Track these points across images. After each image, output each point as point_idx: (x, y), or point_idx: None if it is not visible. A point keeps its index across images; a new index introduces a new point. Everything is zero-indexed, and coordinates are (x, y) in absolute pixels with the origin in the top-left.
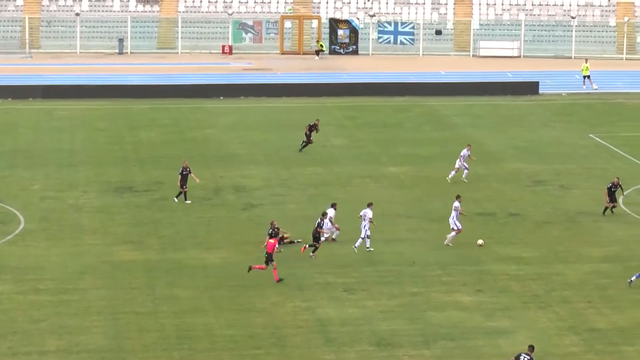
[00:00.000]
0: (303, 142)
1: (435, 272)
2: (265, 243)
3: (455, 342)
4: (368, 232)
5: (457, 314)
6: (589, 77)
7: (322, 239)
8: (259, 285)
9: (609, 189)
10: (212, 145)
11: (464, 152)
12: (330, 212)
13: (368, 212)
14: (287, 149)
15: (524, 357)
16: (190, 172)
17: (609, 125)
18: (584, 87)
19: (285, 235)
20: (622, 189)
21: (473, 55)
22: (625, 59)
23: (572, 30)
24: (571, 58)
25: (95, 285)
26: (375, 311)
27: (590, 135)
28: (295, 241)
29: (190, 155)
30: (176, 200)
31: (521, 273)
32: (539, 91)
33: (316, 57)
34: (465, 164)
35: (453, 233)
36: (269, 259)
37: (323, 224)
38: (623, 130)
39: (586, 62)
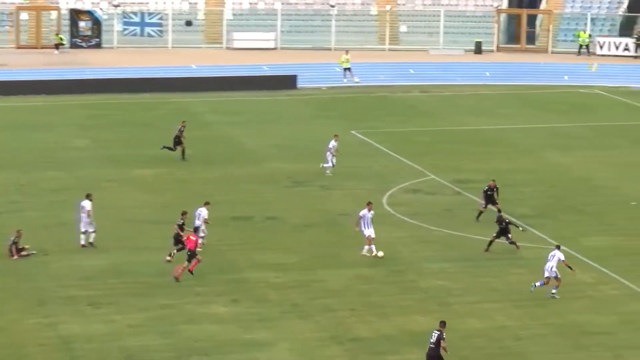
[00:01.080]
0: (169, 146)
1: (189, 282)
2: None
3: (210, 357)
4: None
5: (212, 327)
6: (349, 69)
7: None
8: None
9: (485, 192)
10: None
11: (332, 143)
12: (87, 204)
13: (203, 211)
14: (25, 152)
15: (435, 333)
16: None
17: (372, 120)
18: (345, 80)
19: (26, 247)
20: (497, 192)
21: (226, 48)
22: (388, 50)
23: (331, 20)
24: (331, 49)
25: None
26: (124, 326)
27: (352, 131)
28: (30, 253)
29: None
30: None
31: (279, 281)
32: (297, 85)
33: (56, 51)
34: (332, 159)
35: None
36: (192, 255)
37: (183, 224)
38: (386, 126)
39: (347, 54)
